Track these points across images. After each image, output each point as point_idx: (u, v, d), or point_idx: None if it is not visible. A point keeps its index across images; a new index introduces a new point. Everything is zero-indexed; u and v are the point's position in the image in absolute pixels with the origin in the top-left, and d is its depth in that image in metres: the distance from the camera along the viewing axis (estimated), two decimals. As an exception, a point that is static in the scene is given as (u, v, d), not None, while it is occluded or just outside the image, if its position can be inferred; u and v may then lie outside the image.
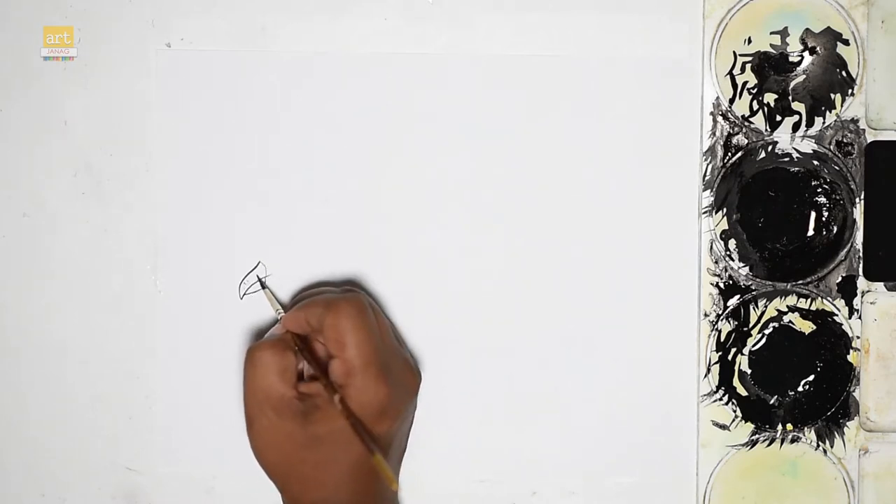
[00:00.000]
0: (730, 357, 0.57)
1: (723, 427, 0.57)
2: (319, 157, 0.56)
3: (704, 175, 0.56)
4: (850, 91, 0.56)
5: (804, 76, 0.56)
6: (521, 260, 0.56)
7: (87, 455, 0.57)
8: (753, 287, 0.56)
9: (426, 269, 0.56)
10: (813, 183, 0.56)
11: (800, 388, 0.57)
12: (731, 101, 0.56)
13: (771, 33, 0.56)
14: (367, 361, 0.49)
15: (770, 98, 0.56)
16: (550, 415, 0.57)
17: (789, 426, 0.57)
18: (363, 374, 0.49)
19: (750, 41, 0.56)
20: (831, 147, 0.56)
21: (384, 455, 0.50)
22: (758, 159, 0.56)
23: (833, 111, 0.56)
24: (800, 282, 0.56)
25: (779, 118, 0.56)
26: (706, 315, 0.56)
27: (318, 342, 0.52)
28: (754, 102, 0.56)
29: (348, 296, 0.51)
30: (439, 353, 0.56)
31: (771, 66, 0.56)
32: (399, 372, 0.51)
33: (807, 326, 0.57)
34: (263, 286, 0.55)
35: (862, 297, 0.56)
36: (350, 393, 0.49)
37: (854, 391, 0.57)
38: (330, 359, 0.50)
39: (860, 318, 0.56)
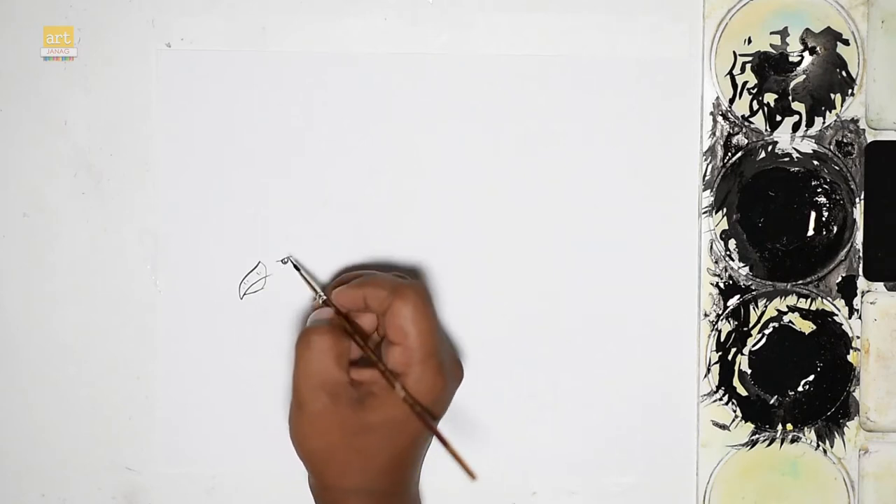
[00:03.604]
0: (730, 357, 0.57)
1: (723, 427, 0.57)
2: (319, 158, 0.56)
3: (704, 175, 0.56)
4: (850, 91, 0.56)
5: (804, 76, 0.56)
6: (521, 260, 0.56)
7: (87, 455, 0.57)
8: (753, 287, 0.56)
9: (422, 270, 0.56)
10: (813, 183, 0.56)
11: (800, 388, 0.57)
12: (731, 101, 0.56)
13: (771, 33, 0.56)
14: (430, 352, 0.48)
15: (770, 98, 0.56)
16: (551, 415, 0.57)
17: (789, 426, 0.57)
18: (424, 364, 0.48)
19: (750, 41, 0.56)
20: (831, 147, 0.56)
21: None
22: (758, 159, 0.56)
23: (833, 111, 0.56)
24: (800, 282, 0.56)
25: (779, 118, 0.56)
26: (706, 315, 0.56)
27: (361, 324, 0.51)
28: (754, 102, 0.56)
29: (414, 283, 0.50)
30: (439, 353, 0.57)
31: (771, 66, 0.56)
32: (450, 364, 0.50)
33: (807, 326, 0.57)
34: (298, 268, 0.55)
35: (862, 297, 0.56)
36: (407, 382, 0.48)
37: (854, 391, 0.57)
38: (388, 344, 0.49)
39: (860, 318, 0.56)
